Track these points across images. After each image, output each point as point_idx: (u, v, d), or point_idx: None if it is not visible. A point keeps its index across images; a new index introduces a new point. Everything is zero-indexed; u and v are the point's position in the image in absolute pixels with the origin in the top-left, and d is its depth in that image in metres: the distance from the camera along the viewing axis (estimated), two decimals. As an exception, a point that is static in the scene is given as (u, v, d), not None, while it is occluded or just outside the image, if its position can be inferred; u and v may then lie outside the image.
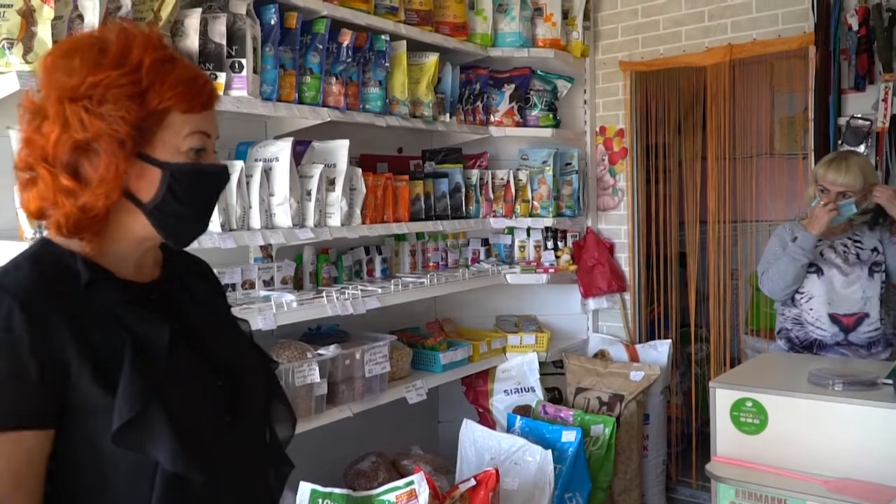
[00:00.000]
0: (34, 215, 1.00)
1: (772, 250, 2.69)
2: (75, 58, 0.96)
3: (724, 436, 2.06)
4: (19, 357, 0.88)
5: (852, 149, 2.88)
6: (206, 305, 1.13)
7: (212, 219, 2.13)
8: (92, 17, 1.93)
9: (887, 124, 2.93)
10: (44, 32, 1.86)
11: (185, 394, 0.98)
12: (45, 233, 1.04)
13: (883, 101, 2.94)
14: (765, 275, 2.66)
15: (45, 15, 1.86)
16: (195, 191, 1.02)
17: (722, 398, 2.06)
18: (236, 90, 2.25)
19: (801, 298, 2.61)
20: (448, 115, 3.13)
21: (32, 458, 0.90)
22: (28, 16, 1.88)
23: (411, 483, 2.18)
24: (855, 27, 2.96)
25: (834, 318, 2.54)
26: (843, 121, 3.01)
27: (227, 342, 1.13)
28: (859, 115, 2.99)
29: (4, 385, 0.88)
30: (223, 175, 1.09)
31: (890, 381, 1.95)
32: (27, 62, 1.83)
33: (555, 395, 3.49)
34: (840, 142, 3.02)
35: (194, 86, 1.01)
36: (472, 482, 2.36)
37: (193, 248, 2.08)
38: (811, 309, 2.58)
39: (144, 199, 0.99)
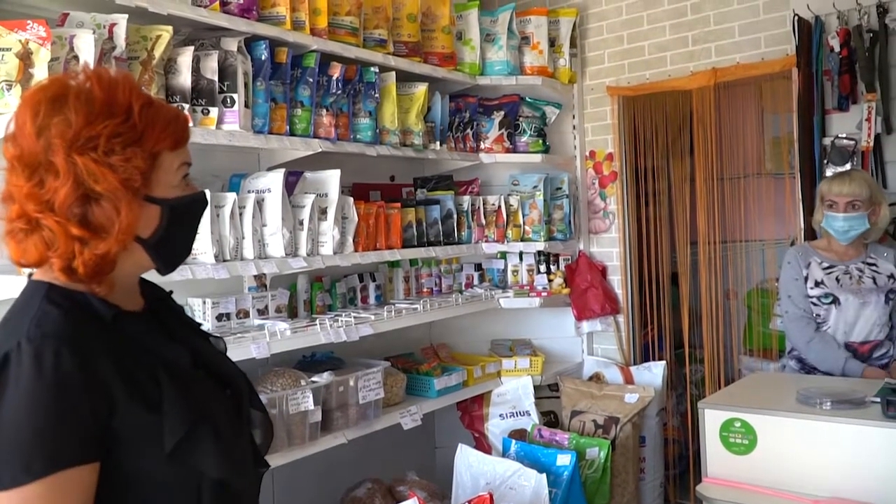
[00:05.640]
0: (33, 264, 1.01)
1: (789, 284, 2.66)
2: (66, 109, 0.97)
3: (714, 456, 2.07)
4: (75, 396, 0.91)
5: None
6: (188, 325, 1.20)
7: (205, 250, 2.20)
8: (87, 57, 1.98)
9: (871, 143, 2.96)
10: (41, 74, 1.91)
11: (212, 407, 1.05)
12: (32, 274, 1.05)
13: (867, 120, 2.97)
14: (795, 337, 2.64)
15: (42, 57, 1.91)
16: (187, 219, 1.11)
17: (711, 419, 2.08)
18: (228, 124, 2.31)
19: (819, 327, 2.62)
20: (438, 143, 3.18)
21: (89, 490, 0.93)
22: (25, 58, 1.93)
23: (405, 509, 2.18)
24: (837, 49, 3.02)
25: (849, 346, 2.56)
26: (827, 141, 3.06)
27: (215, 355, 1.19)
28: (844, 135, 3.03)
29: (66, 424, 0.90)
30: (204, 200, 1.15)
31: (878, 400, 1.97)
32: (24, 102, 1.88)
33: (550, 419, 3.50)
34: (826, 161, 3.06)
35: (178, 124, 1.08)
36: (467, 507, 2.36)
37: (187, 277, 2.13)
38: None
39: (145, 235, 1.04)
